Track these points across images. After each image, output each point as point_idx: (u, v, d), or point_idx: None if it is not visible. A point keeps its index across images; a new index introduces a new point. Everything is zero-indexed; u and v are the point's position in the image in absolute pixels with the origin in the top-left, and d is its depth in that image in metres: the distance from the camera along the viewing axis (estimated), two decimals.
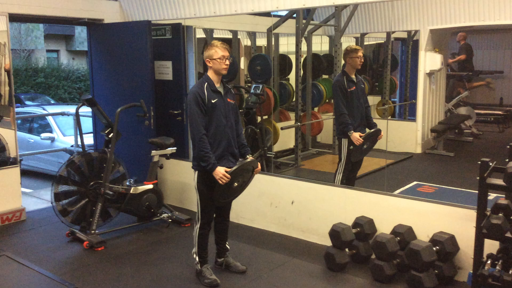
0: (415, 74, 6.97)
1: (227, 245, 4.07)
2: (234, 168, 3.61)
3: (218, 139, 3.65)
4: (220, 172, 3.53)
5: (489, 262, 3.23)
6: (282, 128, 6.56)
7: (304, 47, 6.92)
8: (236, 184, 3.71)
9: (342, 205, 4.45)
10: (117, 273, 4.06)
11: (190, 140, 5.80)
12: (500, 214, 3.12)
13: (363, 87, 4.98)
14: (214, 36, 6.91)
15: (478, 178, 3.24)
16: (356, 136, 4.75)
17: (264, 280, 3.90)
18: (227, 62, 3.66)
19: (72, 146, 7.59)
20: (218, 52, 3.63)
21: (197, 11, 5.37)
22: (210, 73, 3.69)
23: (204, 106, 3.60)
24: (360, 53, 4.81)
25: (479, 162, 3.24)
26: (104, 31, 5.94)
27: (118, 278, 3.96)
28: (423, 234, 3.92)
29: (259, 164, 3.85)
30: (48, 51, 23.21)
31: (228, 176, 3.55)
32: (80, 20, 5.82)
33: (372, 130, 4.92)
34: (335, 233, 4.06)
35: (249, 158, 3.77)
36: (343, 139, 4.88)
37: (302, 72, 6.75)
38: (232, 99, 3.79)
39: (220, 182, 3.54)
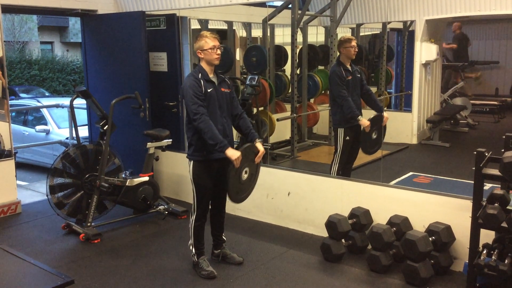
0: (411, 64, 6.96)
1: (223, 237, 4.07)
2: (240, 149, 3.50)
3: None
4: (235, 154, 3.41)
5: (485, 252, 3.25)
6: (278, 120, 6.54)
7: (299, 38, 6.89)
8: (245, 176, 3.63)
9: (338, 196, 4.46)
10: (113, 265, 4.05)
11: (185, 132, 5.82)
12: (496, 204, 3.14)
13: (359, 77, 4.94)
14: (209, 27, 6.86)
15: (474, 168, 3.25)
16: (365, 121, 4.68)
17: (261, 271, 3.90)
18: (219, 51, 3.61)
19: (67, 138, 7.56)
20: (208, 42, 3.58)
21: (192, 1, 5.32)
22: (203, 64, 3.65)
23: (202, 95, 3.55)
24: (354, 43, 4.78)
25: (475, 153, 3.25)
26: (98, 22, 5.89)
27: (115, 270, 3.96)
28: (419, 224, 3.93)
29: (259, 146, 3.64)
30: (42, 43, 23.03)
31: (239, 156, 3.42)
32: (73, 11, 5.77)
33: (374, 116, 4.80)
34: (332, 224, 4.07)
35: (258, 141, 3.65)
36: (339, 129, 4.86)
37: (297, 63, 6.72)
38: (227, 88, 3.73)
39: (236, 163, 3.42)
